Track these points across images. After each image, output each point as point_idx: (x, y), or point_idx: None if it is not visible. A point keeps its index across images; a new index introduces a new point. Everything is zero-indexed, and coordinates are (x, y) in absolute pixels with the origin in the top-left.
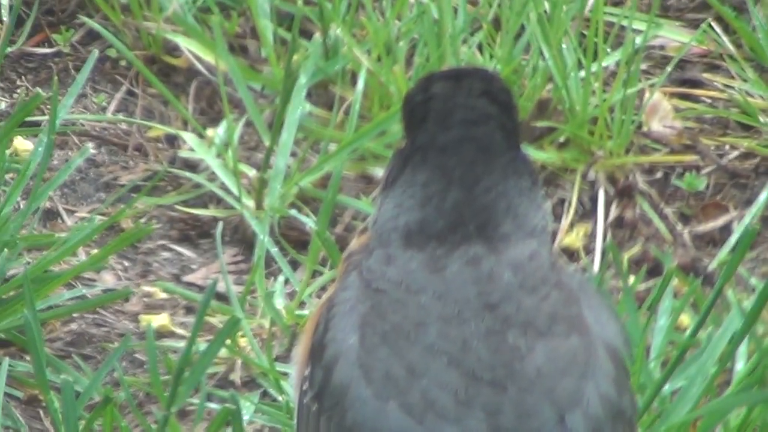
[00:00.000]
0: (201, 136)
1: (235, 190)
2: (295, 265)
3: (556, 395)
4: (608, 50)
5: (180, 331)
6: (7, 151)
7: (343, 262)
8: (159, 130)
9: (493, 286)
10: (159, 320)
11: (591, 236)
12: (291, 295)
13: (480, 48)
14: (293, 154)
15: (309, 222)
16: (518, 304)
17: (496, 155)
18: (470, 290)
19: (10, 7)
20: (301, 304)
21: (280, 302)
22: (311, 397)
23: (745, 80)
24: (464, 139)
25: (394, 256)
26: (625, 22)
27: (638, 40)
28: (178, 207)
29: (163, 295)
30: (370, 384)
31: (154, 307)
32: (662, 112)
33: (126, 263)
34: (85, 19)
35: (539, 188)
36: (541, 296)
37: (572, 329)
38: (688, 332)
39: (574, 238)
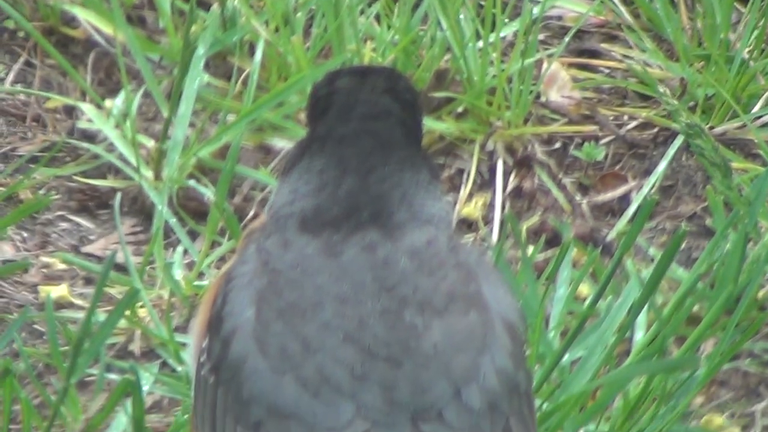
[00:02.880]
0: (99, 107)
1: (133, 160)
2: (193, 235)
3: (453, 370)
4: (506, 20)
5: (79, 302)
6: None
7: (244, 238)
8: (57, 100)
9: (389, 271)
10: (58, 291)
11: (490, 207)
12: (190, 266)
13: (378, 18)
14: (191, 125)
15: (207, 192)
16: (415, 285)
17: (393, 149)
18: (366, 274)
19: None
20: (200, 275)
21: (178, 273)
22: (209, 369)
23: (643, 50)
24: (362, 131)
25: (291, 241)
26: None
27: (536, 10)
28: (76, 178)
29: (62, 266)
30: (266, 357)
31: (53, 278)
32: (560, 83)
33: (25, 234)
34: None
35: (439, 184)
36: (439, 277)
37: (470, 306)
38: (587, 302)
39: (472, 209)
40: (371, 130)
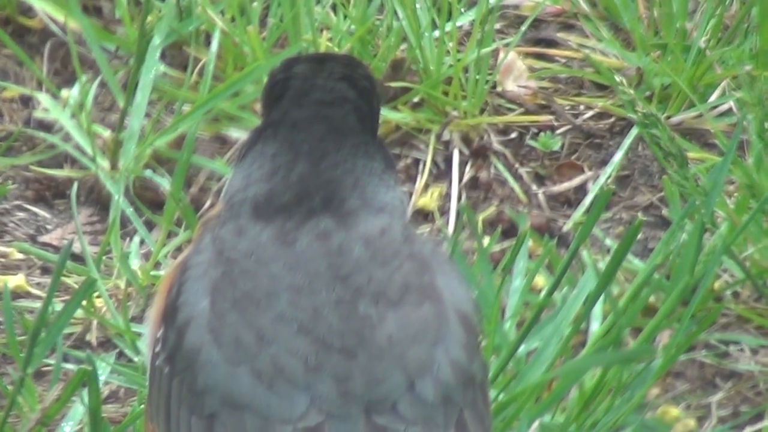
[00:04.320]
0: (55, 96)
1: (89, 150)
2: (150, 225)
3: (407, 362)
4: (462, 10)
5: (36, 291)
6: None
7: (200, 227)
8: (14, 90)
9: (344, 259)
10: (15, 281)
11: (446, 197)
12: (146, 256)
13: (334, 8)
14: (148, 115)
15: (164, 183)
16: (369, 275)
17: (347, 136)
18: (320, 263)
19: None
20: (157, 265)
21: (135, 263)
22: (163, 359)
23: (599, 39)
24: (317, 117)
25: (245, 228)
26: None
27: None
28: (33, 167)
29: (19, 256)
30: (220, 348)
31: (10, 268)
32: (517, 72)
33: None
34: None
35: (393, 173)
36: (394, 268)
37: (425, 298)
38: (543, 293)
39: (428, 200)
40: (325, 116)
